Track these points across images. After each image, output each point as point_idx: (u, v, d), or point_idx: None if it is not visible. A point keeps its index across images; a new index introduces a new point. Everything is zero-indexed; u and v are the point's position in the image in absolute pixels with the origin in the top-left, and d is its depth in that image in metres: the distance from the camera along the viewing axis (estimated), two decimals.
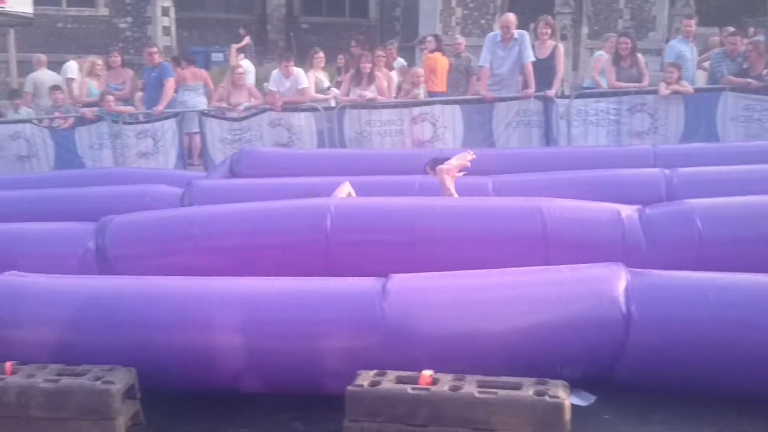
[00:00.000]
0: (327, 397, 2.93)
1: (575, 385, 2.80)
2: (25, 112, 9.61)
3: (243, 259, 3.97)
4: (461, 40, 10.33)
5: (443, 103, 8.42)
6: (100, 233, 4.18)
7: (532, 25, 9.09)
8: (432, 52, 9.54)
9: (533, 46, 8.23)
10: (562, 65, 8.39)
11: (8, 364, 2.91)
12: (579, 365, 2.82)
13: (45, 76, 10.53)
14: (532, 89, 8.03)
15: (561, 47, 8.50)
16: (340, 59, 10.37)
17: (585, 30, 22.33)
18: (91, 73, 9.50)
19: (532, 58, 8.10)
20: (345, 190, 4.96)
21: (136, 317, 2.99)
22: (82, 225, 4.31)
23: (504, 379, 2.56)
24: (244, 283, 3.14)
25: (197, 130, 8.92)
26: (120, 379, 2.80)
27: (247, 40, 14.35)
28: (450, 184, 4.74)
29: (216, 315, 2.91)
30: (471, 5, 22.38)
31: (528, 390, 2.46)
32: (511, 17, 8.35)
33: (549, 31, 8.39)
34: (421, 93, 8.60)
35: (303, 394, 3.01)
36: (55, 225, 4.35)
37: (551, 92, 8.06)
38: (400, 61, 10.17)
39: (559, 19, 19.71)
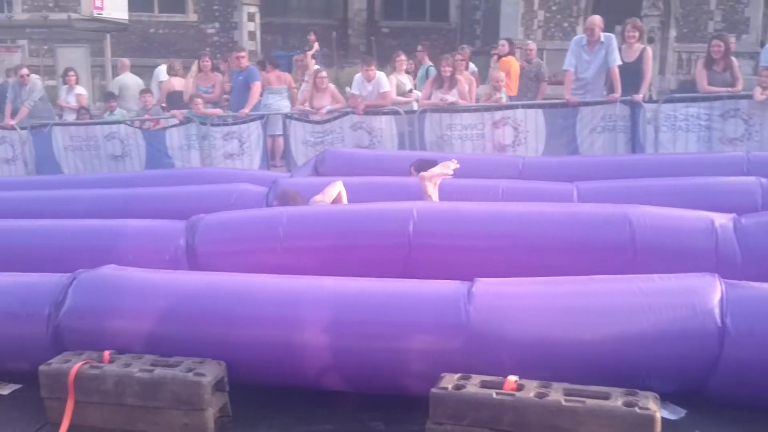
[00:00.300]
0: (409, 399, 2.96)
1: (664, 397, 2.72)
2: (119, 113, 10.06)
3: (326, 260, 4.03)
4: (532, 45, 10.19)
5: (526, 107, 8.32)
6: (190, 231, 4.32)
7: (618, 28, 8.88)
8: (505, 56, 9.51)
9: (620, 50, 8.03)
10: (650, 69, 8.16)
11: (106, 353, 3.06)
12: (669, 378, 2.73)
13: (129, 79, 10.99)
14: (618, 93, 7.84)
15: (649, 50, 8.25)
16: (410, 63, 10.39)
17: (673, 33, 21.62)
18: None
19: (619, 62, 7.91)
20: (336, 189, 5.00)
21: (227, 312, 3.08)
22: (174, 223, 4.47)
23: (592, 388, 2.51)
24: (331, 282, 3.19)
25: (281, 133, 9.12)
26: (210, 372, 2.90)
27: (316, 46, 14.56)
28: (432, 191, 4.82)
29: (303, 313, 2.97)
30: (554, 8, 22.04)
31: (617, 400, 2.41)
32: (598, 20, 8.18)
33: (636, 34, 8.16)
34: (503, 97, 8.53)
35: (385, 395, 3.03)
36: (149, 222, 4.52)
37: (638, 97, 7.84)
38: (472, 67, 10.09)
39: (647, 21, 19.13)
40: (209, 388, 2.86)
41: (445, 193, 4.91)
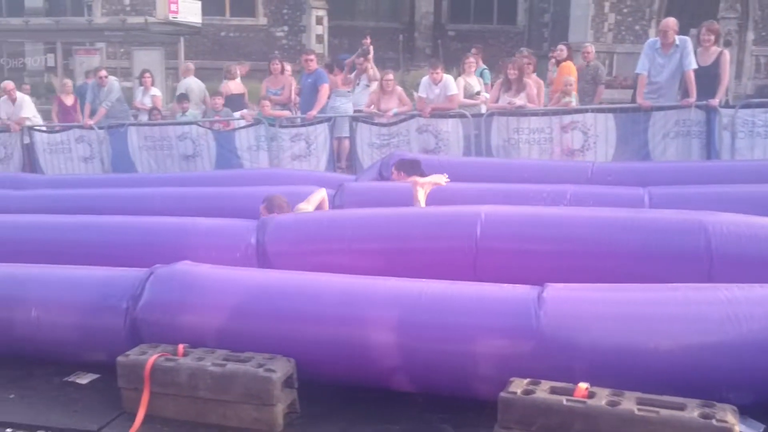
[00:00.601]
0: (476, 402, 2.95)
1: (742, 411, 2.63)
2: (191, 114, 10.33)
3: (392, 262, 4.05)
4: (590, 48, 10.01)
5: (596, 111, 8.17)
6: (260, 230, 4.42)
7: (693, 31, 8.63)
8: (563, 60, 9.39)
9: (695, 53, 7.80)
10: (727, 73, 7.88)
11: (181, 347, 3.15)
12: (748, 391, 2.64)
13: (192, 83, 11.32)
14: (693, 98, 7.61)
15: (727, 54, 7.98)
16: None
17: (751, 36, 20.87)
18: None
19: (695, 66, 7.68)
20: (318, 196, 5.21)
21: (297, 310, 3.14)
22: (245, 222, 4.57)
23: (666, 398, 2.45)
24: (401, 283, 3.21)
25: (347, 135, 9.21)
26: (280, 368, 2.95)
27: (371, 51, 14.53)
28: (422, 196, 5.07)
29: (372, 313, 3.00)
30: (625, 11, 21.57)
31: (693, 412, 2.35)
32: (672, 22, 7.96)
33: (712, 37, 7.90)
34: (573, 101, 8.39)
35: (453, 397, 3.03)
36: (221, 221, 4.64)
37: (714, 101, 7.60)
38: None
39: (724, 24, 18.54)
40: (279, 384, 2.92)
41: (509, 198, 4.87)
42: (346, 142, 9.29)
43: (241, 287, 3.33)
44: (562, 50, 9.74)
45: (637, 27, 21.74)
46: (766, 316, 2.68)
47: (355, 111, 9.46)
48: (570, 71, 9.27)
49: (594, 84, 9.25)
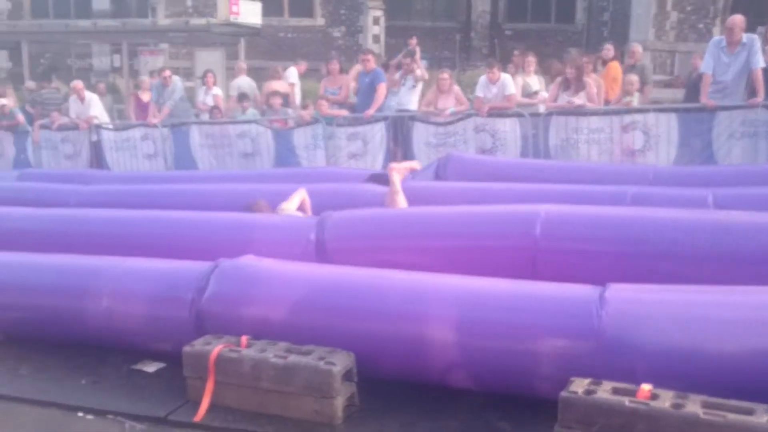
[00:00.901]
0: (535, 401, 2.94)
1: None
2: (251, 113, 10.52)
3: (450, 260, 4.06)
4: (637, 47, 9.80)
5: (658, 111, 8.01)
6: (320, 227, 4.49)
7: (761, 29, 8.37)
8: (610, 60, 9.24)
9: (763, 51, 7.56)
10: None
11: (244, 338, 3.24)
12: None
13: (244, 83, 11.51)
14: (760, 98, 7.39)
15: None
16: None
17: None
18: None
19: (762, 64, 7.45)
20: (299, 196, 5.37)
21: (358, 305, 3.19)
22: (305, 218, 4.66)
23: (732, 402, 2.40)
24: (461, 280, 3.23)
25: (403, 134, 9.24)
26: (340, 362, 3.00)
27: (418, 51, 14.51)
28: (397, 180, 5.34)
29: (432, 309, 3.03)
30: (688, 9, 21.00)
31: (762, 417, 2.29)
32: (739, 19, 7.73)
33: None
34: (634, 101, 8.24)
35: (511, 395, 3.03)
36: (283, 217, 4.74)
37: None
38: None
39: None
40: (339, 377, 2.97)
41: (569, 199, 4.81)
42: (402, 142, 9.32)
43: (303, 281, 3.41)
44: (608, 50, 9.65)
45: (700, 25, 21.15)
46: None
47: (399, 110, 9.51)
48: (616, 71, 9.13)
49: (641, 84, 9.06)
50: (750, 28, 8.01)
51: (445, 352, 2.98)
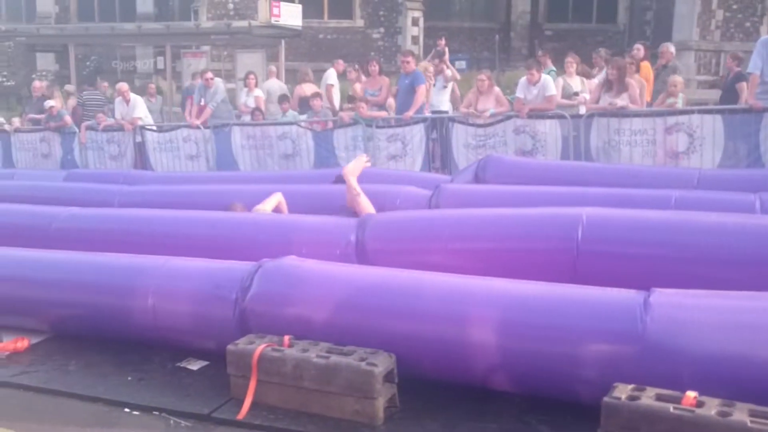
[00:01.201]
0: (576, 405, 2.93)
1: None
2: (291, 115, 10.63)
3: (490, 263, 4.06)
4: (668, 47, 9.61)
5: (703, 112, 7.86)
6: (360, 228, 4.52)
7: None
8: (641, 60, 9.10)
9: None
10: None
11: (286, 338, 3.28)
12: None
13: (274, 85, 11.60)
14: None
15: None
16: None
17: None
18: None
19: None
20: (275, 198, 5.50)
21: (399, 306, 3.21)
22: (346, 220, 4.69)
23: None
24: (503, 283, 3.22)
25: (443, 136, 9.24)
26: (382, 363, 3.02)
27: (447, 52, 14.42)
28: (355, 183, 5.38)
29: (474, 311, 3.03)
30: (734, 7, 20.58)
31: None
32: None
33: None
34: (679, 102, 8.11)
35: (552, 399, 3.01)
36: (323, 218, 4.77)
37: None
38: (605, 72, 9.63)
39: None
40: (380, 378, 2.99)
41: (611, 202, 4.76)
42: (442, 143, 9.33)
43: (345, 282, 3.44)
44: (639, 50, 9.49)
45: (747, 24, 20.72)
46: None
47: (432, 112, 9.48)
48: (647, 72, 9.00)
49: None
50: None
51: (486, 355, 2.98)
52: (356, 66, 11.35)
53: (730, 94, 9.21)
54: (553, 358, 2.86)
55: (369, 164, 5.85)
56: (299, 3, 20.61)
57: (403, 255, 4.29)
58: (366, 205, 5.27)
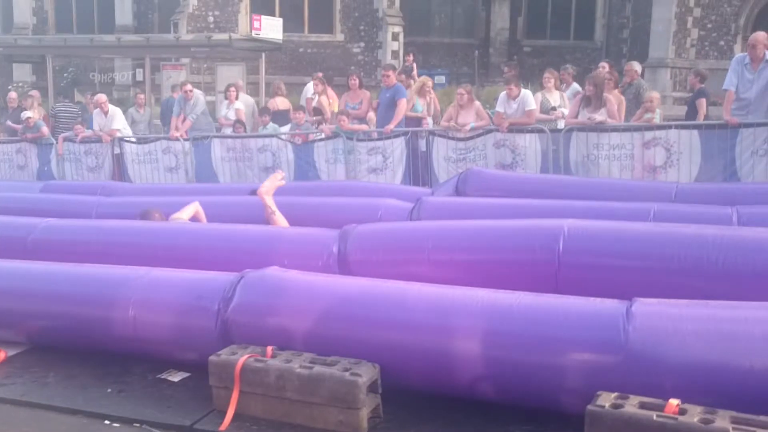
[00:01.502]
0: (560, 414, 2.94)
1: None
2: (271, 127, 10.62)
3: (472, 274, 4.08)
4: (633, 65, 9.77)
5: (680, 127, 7.99)
6: (342, 239, 4.51)
7: None
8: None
9: None
10: None
11: (269, 349, 3.26)
12: None
13: (242, 100, 11.62)
14: None
15: None
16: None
17: None
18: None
19: None
20: (193, 207, 5.67)
21: (383, 317, 3.20)
22: (328, 231, 4.68)
23: (763, 418, 2.39)
24: (486, 293, 3.23)
25: (423, 149, 9.28)
26: (366, 373, 3.01)
27: (415, 68, 14.49)
28: (271, 202, 5.58)
29: (458, 322, 3.03)
30: (709, 26, 21.00)
31: None
32: (762, 36, 7.73)
33: None
34: (656, 118, 8.23)
35: (536, 408, 3.02)
36: (305, 230, 4.77)
37: None
38: (575, 87, 9.78)
39: None
40: (364, 389, 2.98)
41: (591, 215, 4.80)
42: (422, 157, 9.38)
43: (328, 293, 3.42)
44: (603, 67, 9.63)
45: (721, 42, 21.15)
46: None
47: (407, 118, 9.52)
48: None
49: (636, 103, 9.01)
50: None
51: (470, 365, 2.98)
52: (320, 76, 11.42)
53: (692, 110, 9.39)
54: (536, 368, 2.87)
55: (284, 182, 5.98)
56: (280, 17, 20.66)
57: (385, 266, 4.29)
58: (282, 223, 5.40)
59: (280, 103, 11.18)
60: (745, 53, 7.94)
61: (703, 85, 9.59)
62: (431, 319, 3.10)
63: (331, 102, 10.79)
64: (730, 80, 7.74)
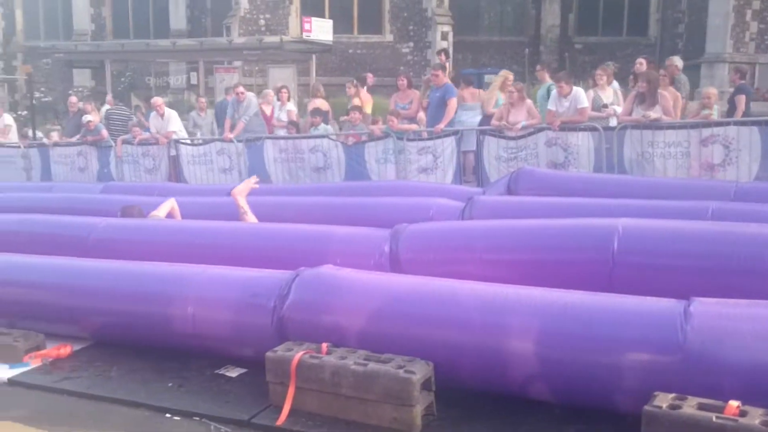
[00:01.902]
0: (615, 415, 2.91)
1: None
2: (323, 128, 10.73)
3: (524, 273, 4.06)
4: (674, 61, 9.49)
5: (739, 124, 7.78)
6: (394, 239, 4.55)
7: None
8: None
9: None
10: None
11: (324, 345, 3.32)
12: None
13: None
14: None
15: None
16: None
17: None
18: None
19: None
20: (169, 204, 5.89)
21: (436, 315, 3.23)
22: (380, 231, 4.72)
23: None
24: (541, 292, 3.22)
25: (473, 148, 9.26)
26: (419, 370, 3.04)
27: (448, 66, 14.26)
28: (243, 203, 5.82)
29: (514, 321, 3.03)
30: None
31: None
32: None
33: None
34: (714, 114, 8.03)
35: (591, 408, 3.00)
36: (358, 229, 4.81)
37: None
38: (616, 85, 9.54)
39: None
40: (418, 386, 3.01)
41: (646, 214, 4.72)
42: (471, 156, 9.35)
43: (382, 291, 3.46)
44: (641, 63, 9.44)
45: None
46: None
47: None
48: None
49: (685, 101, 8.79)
50: None
51: (525, 364, 2.98)
52: (354, 81, 11.44)
53: (732, 107, 9.13)
54: (592, 368, 2.85)
55: (257, 185, 6.18)
56: (330, 18, 20.84)
57: (436, 265, 4.31)
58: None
59: (320, 104, 11.29)
60: None
61: (743, 81, 9.32)
62: (484, 318, 3.11)
63: (365, 103, 10.82)
64: None
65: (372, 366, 3.09)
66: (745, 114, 8.68)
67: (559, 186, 6.65)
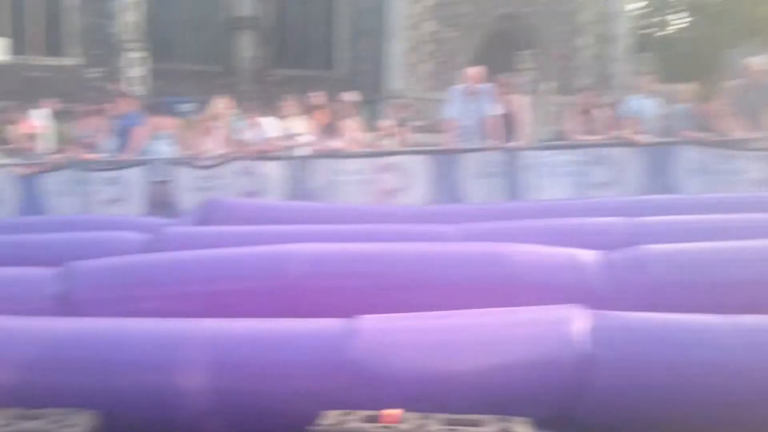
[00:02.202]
0: None
1: (542, 424, 2.82)
2: None
3: (208, 304, 3.96)
4: (356, 96, 10.59)
5: (410, 153, 8.60)
6: (64, 278, 4.16)
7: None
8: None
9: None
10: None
11: None
12: (540, 405, 2.85)
13: None
14: (498, 141, 8.21)
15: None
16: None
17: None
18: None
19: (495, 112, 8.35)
20: None
21: (101, 358, 2.97)
22: (46, 270, 4.28)
23: (467, 416, 2.59)
24: (211, 324, 3.14)
25: (165, 179, 8.95)
26: (81, 423, 2.76)
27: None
28: None
29: (182, 356, 2.90)
30: (442, 58, 22.90)
31: (490, 427, 2.50)
32: (476, 71, 8.59)
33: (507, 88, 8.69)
34: (392, 143, 8.78)
35: None
36: (18, 270, 4.32)
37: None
38: (305, 116, 10.09)
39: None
40: None
41: (326, 239, 4.92)
42: (163, 186, 9.03)
43: (37, 337, 3.10)
44: (319, 96, 10.03)
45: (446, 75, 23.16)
46: (551, 334, 2.94)
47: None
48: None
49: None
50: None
51: (197, 401, 2.86)
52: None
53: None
54: (263, 396, 2.84)
55: None
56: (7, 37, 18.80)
57: (116, 304, 4.02)
58: None
59: None
60: (465, 84, 8.79)
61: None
62: (150, 356, 2.94)
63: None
64: (450, 110, 8.52)
65: (20, 426, 2.73)
66: None
67: (252, 215, 6.67)
